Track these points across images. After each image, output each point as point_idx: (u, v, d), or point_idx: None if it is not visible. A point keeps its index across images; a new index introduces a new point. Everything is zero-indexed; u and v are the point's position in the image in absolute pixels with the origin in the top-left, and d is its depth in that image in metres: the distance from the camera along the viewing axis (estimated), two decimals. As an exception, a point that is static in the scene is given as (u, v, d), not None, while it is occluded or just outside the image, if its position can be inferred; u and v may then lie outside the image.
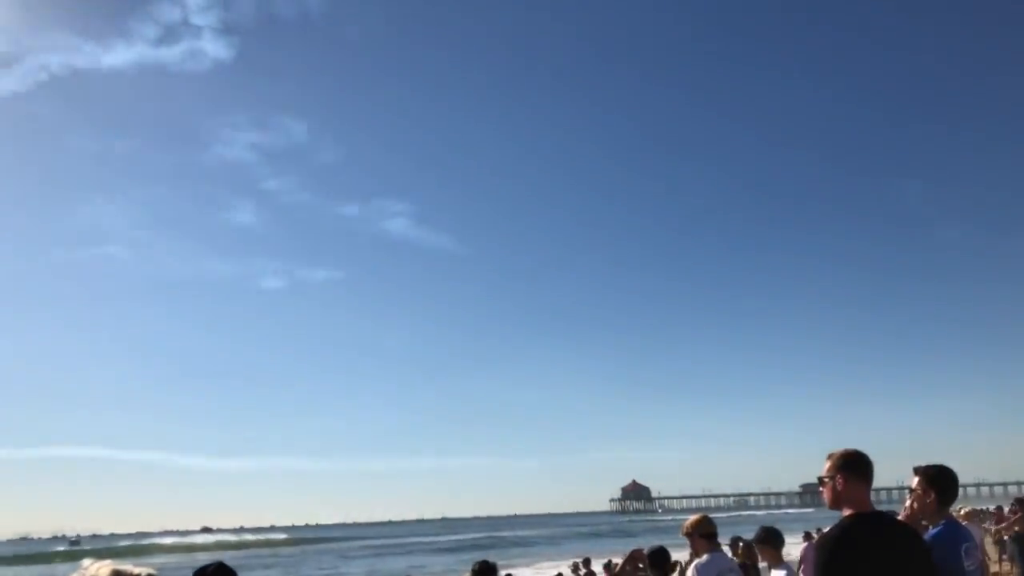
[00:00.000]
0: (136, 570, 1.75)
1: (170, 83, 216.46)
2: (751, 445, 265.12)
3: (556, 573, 21.58)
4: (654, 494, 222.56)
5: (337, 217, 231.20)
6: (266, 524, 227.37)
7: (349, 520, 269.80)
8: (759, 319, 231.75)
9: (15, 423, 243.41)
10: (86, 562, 1.76)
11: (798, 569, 7.77)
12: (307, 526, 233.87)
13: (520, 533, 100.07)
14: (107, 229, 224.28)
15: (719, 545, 6.18)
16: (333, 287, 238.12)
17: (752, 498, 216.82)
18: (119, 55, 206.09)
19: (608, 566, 19.73)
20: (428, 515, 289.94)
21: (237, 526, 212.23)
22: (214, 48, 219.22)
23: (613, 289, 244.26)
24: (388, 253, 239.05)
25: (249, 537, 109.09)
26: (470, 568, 6.10)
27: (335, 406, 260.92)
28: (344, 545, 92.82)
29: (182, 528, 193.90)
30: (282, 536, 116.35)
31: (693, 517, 6.08)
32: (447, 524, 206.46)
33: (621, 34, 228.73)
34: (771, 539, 6.85)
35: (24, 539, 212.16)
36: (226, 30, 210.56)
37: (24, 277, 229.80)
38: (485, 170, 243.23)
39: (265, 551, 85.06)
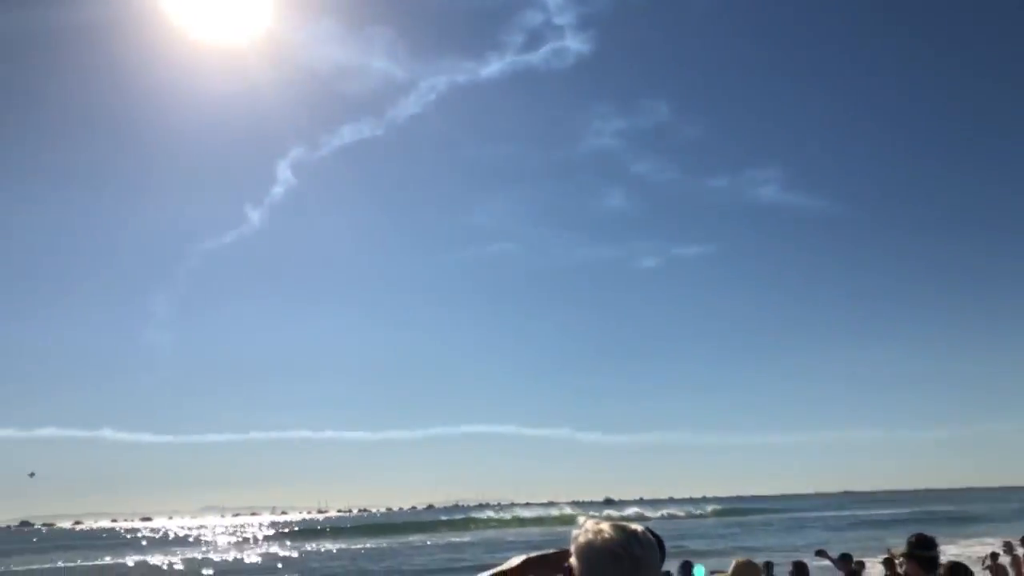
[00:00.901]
0: (633, 526, 1.84)
1: (540, 84, 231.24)
2: None
3: (989, 552, 19.69)
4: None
5: (706, 191, 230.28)
6: (664, 497, 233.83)
7: (746, 494, 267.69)
8: None
9: (440, 405, 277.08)
10: (580, 519, 1.99)
11: None
12: (704, 499, 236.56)
13: (955, 508, 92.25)
14: (498, 227, 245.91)
15: None
16: (706, 261, 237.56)
17: None
18: (493, 66, 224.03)
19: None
20: (827, 489, 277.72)
21: (637, 498, 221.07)
22: (576, 44, 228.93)
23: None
24: (760, 222, 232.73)
25: (674, 511, 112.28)
26: (905, 540, 5.96)
27: (718, 380, 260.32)
28: (758, 518, 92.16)
29: (587, 500, 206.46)
30: (699, 509, 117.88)
31: None
32: (853, 498, 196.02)
33: None
34: None
35: (456, 506, 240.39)
36: (584, 25, 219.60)
37: (431, 276, 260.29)
38: (861, 124, 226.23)
39: (681, 522, 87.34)
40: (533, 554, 1.98)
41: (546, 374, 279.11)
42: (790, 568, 10.94)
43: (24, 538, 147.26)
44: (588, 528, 1.84)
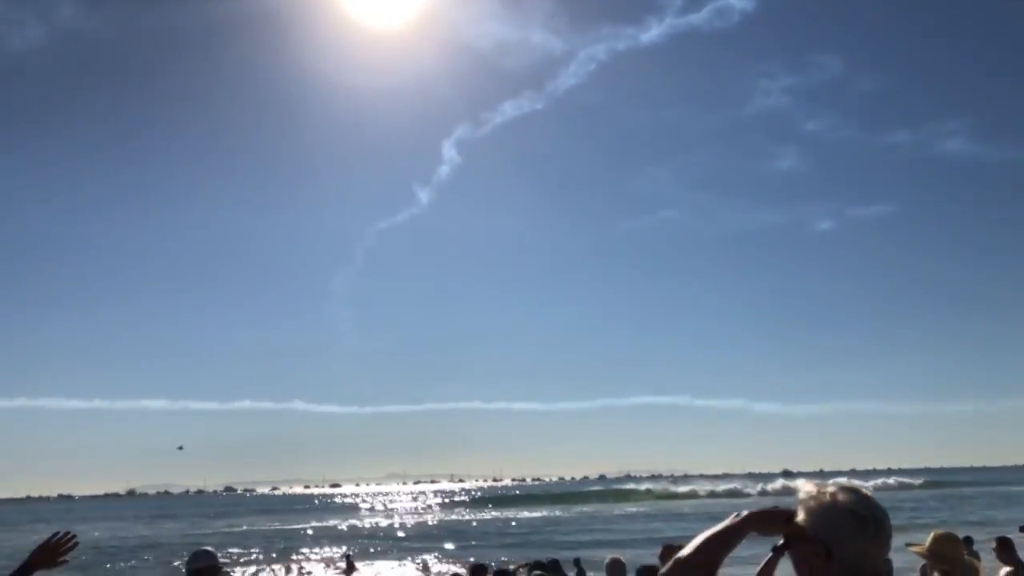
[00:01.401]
0: (864, 490, 1.82)
1: (703, 46, 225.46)
2: None
3: None
4: None
5: (884, 148, 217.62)
6: (845, 468, 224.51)
7: (935, 465, 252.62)
8: None
9: (611, 376, 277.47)
10: (800, 482, 2.01)
11: None
12: (888, 470, 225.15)
13: None
14: (663, 195, 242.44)
15: None
16: (886, 222, 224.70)
17: None
18: (654, 31, 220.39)
19: None
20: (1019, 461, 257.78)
21: (816, 469, 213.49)
22: (739, 1, 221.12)
23: None
24: (945, 177, 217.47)
25: (859, 483, 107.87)
26: None
27: (903, 347, 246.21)
28: (956, 491, 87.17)
29: (763, 471, 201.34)
30: (890, 481, 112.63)
31: None
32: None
33: None
34: None
35: (628, 476, 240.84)
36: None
37: (598, 247, 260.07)
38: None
39: (885, 494, 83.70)
40: (755, 510, 1.95)
41: (718, 344, 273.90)
42: (994, 544, 10.37)
43: (230, 501, 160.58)
44: (818, 491, 1.81)
